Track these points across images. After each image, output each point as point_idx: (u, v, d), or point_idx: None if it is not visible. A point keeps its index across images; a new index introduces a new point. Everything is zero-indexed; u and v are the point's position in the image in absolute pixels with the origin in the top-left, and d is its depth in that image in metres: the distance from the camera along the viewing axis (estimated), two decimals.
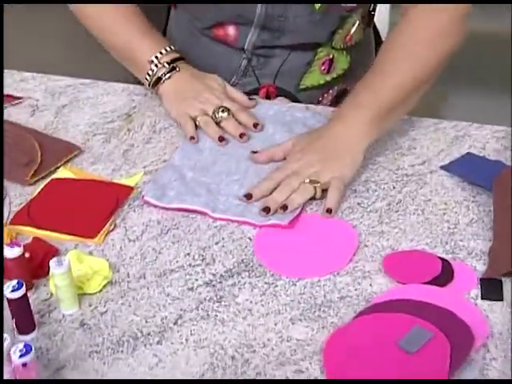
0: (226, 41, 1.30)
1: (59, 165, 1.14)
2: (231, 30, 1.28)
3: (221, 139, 1.15)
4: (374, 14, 1.37)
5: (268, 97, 1.33)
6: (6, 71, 1.39)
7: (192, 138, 1.16)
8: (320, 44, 1.29)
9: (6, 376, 0.79)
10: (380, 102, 1.09)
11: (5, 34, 1.88)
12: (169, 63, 1.22)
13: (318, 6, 1.21)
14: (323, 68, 1.31)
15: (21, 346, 0.77)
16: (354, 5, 1.25)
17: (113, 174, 1.13)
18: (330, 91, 1.35)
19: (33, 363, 0.77)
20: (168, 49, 1.23)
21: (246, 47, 1.29)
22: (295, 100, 1.32)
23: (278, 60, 1.30)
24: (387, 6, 2.59)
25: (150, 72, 1.22)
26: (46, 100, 1.31)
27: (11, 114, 1.27)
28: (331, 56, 1.31)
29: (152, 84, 1.23)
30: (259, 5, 1.22)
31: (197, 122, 1.18)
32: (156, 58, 1.22)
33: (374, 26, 1.44)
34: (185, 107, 1.19)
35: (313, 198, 1.05)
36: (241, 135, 1.16)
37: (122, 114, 1.26)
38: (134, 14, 1.26)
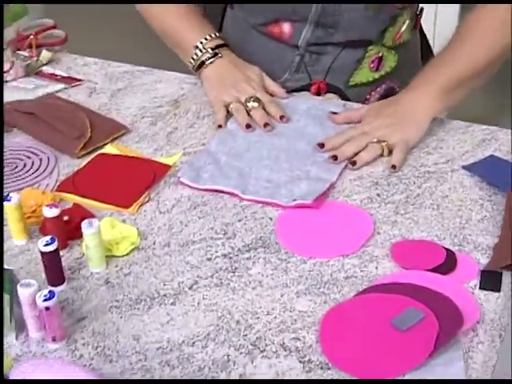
0: (281, 38, 1.36)
1: (107, 141, 1.23)
2: (286, 28, 1.35)
3: (247, 126, 1.23)
4: (420, 17, 1.42)
5: (318, 93, 1.38)
6: (70, 56, 1.50)
7: (219, 126, 1.25)
8: (371, 41, 1.35)
9: (29, 321, 0.89)
10: (448, 77, 1.21)
11: (78, 24, 2.00)
12: (212, 49, 1.32)
13: (371, 2, 1.27)
14: (372, 65, 1.37)
15: (46, 291, 0.86)
16: (405, 4, 1.31)
17: (155, 153, 1.22)
18: (378, 89, 1.40)
19: (55, 308, 0.86)
20: (213, 35, 1.33)
21: (299, 44, 1.35)
22: (344, 96, 1.38)
23: (330, 57, 1.36)
24: (457, 8, 2.62)
25: (195, 56, 1.32)
26: (103, 83, 1.42)
27: (70, 94, 1.38)
28: (380, 54, 1.36)
29: (195, 68, 1.33)
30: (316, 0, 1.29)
31: (229, 109, 1.26)
32: (201, 43, 1.32)
33: (421, 30, 1.49)
34: (222, 94, 1.28)
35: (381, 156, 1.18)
36: (265, 125, 1.24)
37: (171, 100, 1.35)
38: (186, 6, 1.37)
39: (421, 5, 1.41)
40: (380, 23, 1.32)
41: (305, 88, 1.38)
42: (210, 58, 1.31)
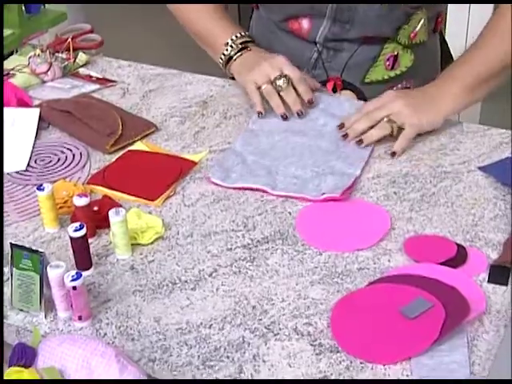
0: (300, 34, 1.41)
1: (136, 139, 1.29)
2: (305, 23, 1.40)
3: (284, 118, 1.29)
4: (441, 20, 1.46)
5: (334, 89, 1.42)
6: (105, 59, 1.57)
7: (259, 113, 1.30)
8: (386, 39, 1.39)
9: (57, 301, 0.94)
10: (473, 75, 1.26)
11: (115, 29, 2.07)
12: (241, 43, 1.37)
13: None
14: (388, 63, 1.40)
15: (73, 272, 0.92)
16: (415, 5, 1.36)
17: (182, 150, 1.27)
18: (394, 88, 1.43)
19: (82, 288, 0.92)
20: (242, 33, 1.38)
21: (317, 40, 1.40)
22: (360, 93, 1.42)
23: (346, 54, 1.40)
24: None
25: (225, 52, 1.37)
26: (136, 85, 1.48)
27: (104, 94, 1.45)
28: (396, 52, 1.40)
29: (225, 63, 1.38)
30: None
31: (261, 91, 1.31)
32: (231, 40, 1.37)
33: (443, 35, 1.52)
34: (251, 75, 1.32)
35: (391, 136, 1.23)
36: (298, 113, 1.29)
37: (200, 101, 1.41)
38: (215, 8, 1.44)
39: (445, 7, 1.45)
40: (394, 20, 1.36)
41: (321, 84, 1.42)
42: (238, 52, 1.36)
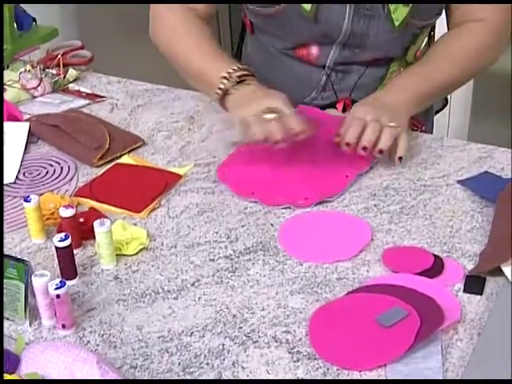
0: (308, 60, 1.40)
1: (124, 152, 1.32)
2: (314, 50, 1.39)
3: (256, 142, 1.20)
4: (433, 35, 1.49)
5: (344, 109, 1.43)
6: (94, 75, 1.60)
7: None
8: (393, 58, 1.41)
9: (41, 309, 0.96)
10: (423, 90, 1.31)
11: (106, 45, 2.10)
12: (239, 77, 1.28)
13: (397, 23, 1.32)
14: None
15: (57, 281, 0.94)
16: (428, 21, 1.39)
17: (168, 164, 1.30)
18: None
19: (65, 296, 0.94)
20: (240, 66, 1.30)
21: (327, 64, 1.40)
22: None
23: (355, 75, 1.41)
24: None
25: (222, 86, 1.27)
26: (125, 100, 1.51)
27: (93, 109, 1.47)
28: (401, 70, 1.42)
29: (221, 97, 1.28)
30: (345, 23, 1.32)
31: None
32: (228, 73, 1.27)
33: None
34: (241, 111, 1.22)
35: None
36: (276, 141, 1.18)
37: (187, 116, 1.44)
38: (204, 38, 1.38)
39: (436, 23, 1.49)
40: (403, 42, 1.39)
41: (331, 105, 1.43)
42: (235, 85, 1.27)
